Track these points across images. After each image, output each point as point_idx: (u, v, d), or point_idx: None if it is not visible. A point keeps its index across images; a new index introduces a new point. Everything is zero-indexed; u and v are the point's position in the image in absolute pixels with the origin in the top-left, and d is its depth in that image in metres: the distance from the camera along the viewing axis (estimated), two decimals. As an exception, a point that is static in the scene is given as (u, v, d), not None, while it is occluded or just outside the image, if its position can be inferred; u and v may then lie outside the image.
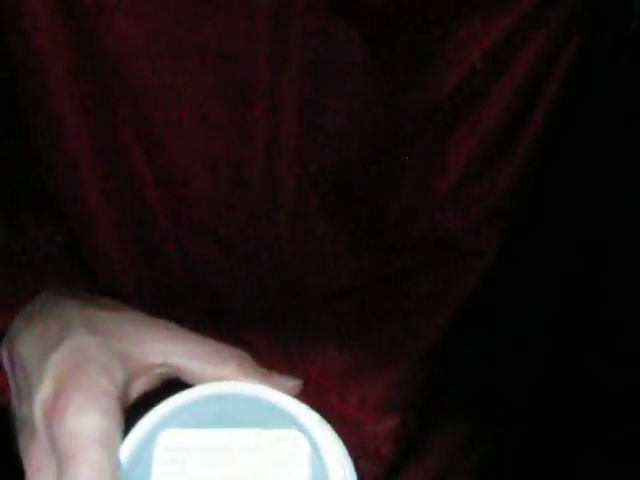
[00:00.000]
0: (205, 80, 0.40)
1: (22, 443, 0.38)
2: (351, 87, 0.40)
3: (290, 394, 0.37)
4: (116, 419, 0.34)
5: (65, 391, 0.35)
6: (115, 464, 0.33)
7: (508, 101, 0.42)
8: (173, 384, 0.39)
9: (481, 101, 0.42)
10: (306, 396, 0.38)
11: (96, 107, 0.42)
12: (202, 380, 0.37)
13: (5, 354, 0.42)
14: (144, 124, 0.42)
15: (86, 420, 0.34)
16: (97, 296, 0.43)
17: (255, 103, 0.40)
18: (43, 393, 0.36)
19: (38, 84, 0.42)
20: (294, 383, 0.38)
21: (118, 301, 0.42)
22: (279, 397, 0.35)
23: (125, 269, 0.47)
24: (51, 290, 0.43)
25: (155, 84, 0.40)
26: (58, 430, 0.34)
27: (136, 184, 0.44)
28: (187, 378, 0.38)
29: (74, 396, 0.34)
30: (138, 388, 0.37)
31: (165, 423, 0.34)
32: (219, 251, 0.46)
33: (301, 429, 0.34)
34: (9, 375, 0.42)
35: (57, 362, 0.37)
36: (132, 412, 0.37)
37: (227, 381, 0.36)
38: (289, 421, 0.34)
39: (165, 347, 0.37)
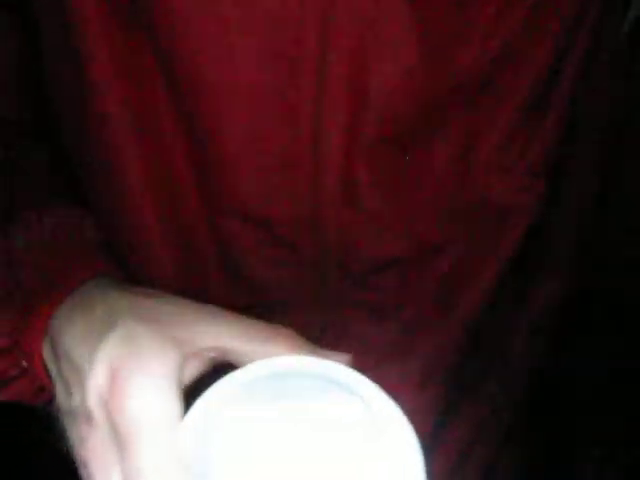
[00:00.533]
0: (253, 53, 0.40)
1: (75, 433, 0.38)
2: (400, 49, 0.40)
3: None
4: (175, 401, 0.35)
5: (121, 376, 0.35)
6: (177, 445, 0.33)
7: (541, 64, 0.43)
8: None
9: (519, 64, 0.43)
10: None
11: (139, 92, 0.42)
12: (253, 360, 0.37)
13: (48, 347, 0.42)
14: (191, 103, 0.42)
15: (146, 402, 0.34)
16: (139, 286, 0.43)
17: (302, 74, 0.41)
18: (97, 380, 0.36)
19: (80, 59, 0.42)
20: (343, 357, 0.38)
21: (158, 291, 0.42)
22: (334, 368, 0.35)
23: (163, 255, 0.47)
24: (92, 281, 0.43)
25: (210, 57, 0.40)
26: (117, 414, 0.34)
27: (175, 171, 0.45)
28: (237, 359, 0.37)
29: (131, 380, 0.34)
30: (190, 373, 0.37)
31: (222, 401, 0.35)
32: (258, 235, 0.46)
33: (360, 397, 0.34)
34: (52, 369, 0.42)
35: (108, 349, 0.37)
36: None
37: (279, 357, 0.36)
38: (348, 391, 0.34)
39: (214, 330, 0.37)
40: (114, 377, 0.35)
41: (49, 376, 0.43)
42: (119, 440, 0.34)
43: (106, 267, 0.45)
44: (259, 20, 0.39)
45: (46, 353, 0.42)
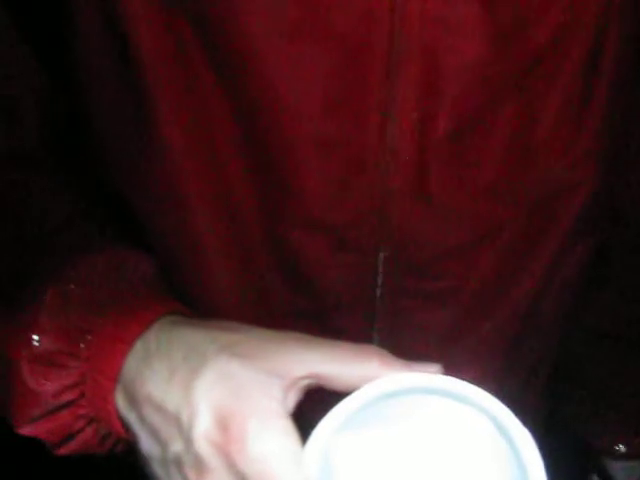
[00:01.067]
0: (326, 62, 0.40)
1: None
2: (469, 41, 0.41)
3: None
4: (294, 435, 0.34)
5: (235, 419, 0.34)
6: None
7: (584, 50, 0.44)
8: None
9: (568, 41, 0.44)
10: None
11: (192, 102, 0.42)
12: (348, 381, 0.37)
13: (122, 395, 0.41)
14: (260, 118, 0.42)
15: (271, 443, 0.34)
16: (211, 320, 0.42)
17: (371, 77, 0.41)
18: (204, 426, 0.35)
19: (136, 73, 0.41)
20: (435, 368, 0.38)
21: (234, 322, 0.41)
22: (447, 381, 0.35)
23: (221, 270, 0.47)
24: (159, 321, 0.42)
25: (278, 69, 0.40)
26: (242, 459, 0.34)
27: (233, 187, 0.44)
28: (332, 383, 0.37)
29: (247, 422, 0.34)
30: (290, 404, 0.37)
31: (342, 426, 0.35)
32: (322, 241, 0.46)
33: (476, 406, 0.35)
34: (130, 417, 0.40)
35: (207, 391, 0.36)
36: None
37: (381, 378, 0.36)
38: (464, 402, 0.35)
39: (308, 357, 0.37)
40: (227, 422, 0.35)
41: (124, 425, 0.42)
42: None
43: (170, 304, 0.44)
44: (326, 26, 0.39)
45: (120, 401, 0.41)
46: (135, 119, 0.43)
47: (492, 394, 0.35)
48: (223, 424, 0.35)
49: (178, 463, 0.37)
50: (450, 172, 0.44)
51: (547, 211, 0.48)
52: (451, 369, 0.50)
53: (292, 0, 0.39)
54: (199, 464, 0.35)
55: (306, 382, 0.37)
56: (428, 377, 0.35)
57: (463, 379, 0.36)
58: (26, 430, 0.43)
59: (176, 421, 0.37)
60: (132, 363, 0.40)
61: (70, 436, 0.44)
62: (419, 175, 0.44)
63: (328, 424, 0.35)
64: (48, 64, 0.46)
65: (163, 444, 0.38)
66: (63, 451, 0.45)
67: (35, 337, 0.41)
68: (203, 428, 0.35)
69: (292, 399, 0.37)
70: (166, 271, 0.47)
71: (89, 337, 0.42)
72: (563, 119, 0.45)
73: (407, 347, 0.48)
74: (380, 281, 0.47)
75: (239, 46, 0.40)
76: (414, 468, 0.34)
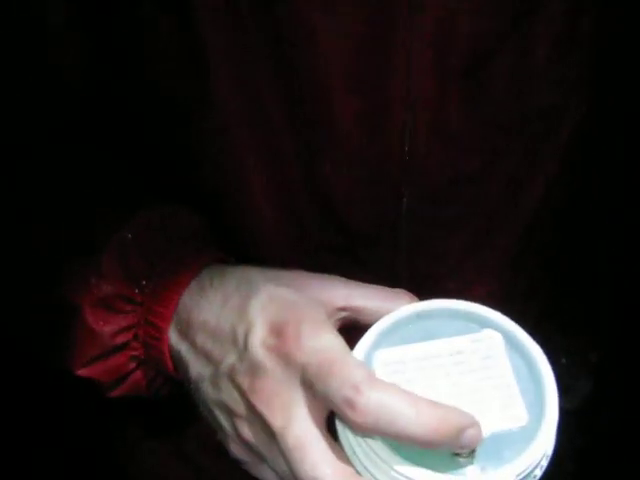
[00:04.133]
0: (356, 7, 0.43)
1: (232, 393, 0.41)
2: None
3: None
4: (343, 340, 0.39)
5: (289, 324, 0.39)
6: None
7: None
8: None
9: None
10: (422, 289, 0.43)
11: (236, 51, 0.44)
12: (380, 317, 0.42)
13: (175, 332, 0.45)
14: (296, 54, 0.44)
15: (326, 338, 0.38)
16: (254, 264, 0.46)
17: (396, 22, 0.44)
18: (259, 335, 0.40)
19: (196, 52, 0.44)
20: None
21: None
22: (468, 305, 0.41)
23: (267, 207, 0.50)
24: (210, 268, 0.46)
25: (314, 13, 0.43)
26: (300, 352, 0.38)
27: (273, 124, 0.47)
28: (365, 318, 0.42)
29: (301, 324, 0.39)
30: None
31: (378, 344, 0.40)
32: (353, 176, 0.49)
33: (496, 328, 0.40)
34: (180, 349, 0.45)
35: (261, 307, 0.41)
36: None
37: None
38: (483, 323, 0.40)
39: (347, 291, 0.42)
40: (282, 328, 0.39)
41: (174, 363, 0.46)
42: (312, 374, 0.37)
43: (218, 254, 0.48)
44: None
45: (173, 337, 0.45)
46: (184, 69, 0.46)
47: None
48: (278, 331, 0.39)
49: (231, 373, 0.41)
50: (465, 105, 0.48)
51: (544, 136, 0.52)
52: (464, 288, 0.55)
53: None
54: (254, 368, 0.39)
55: (344, 314, 0.42)
56: (454, 302, 0.41)
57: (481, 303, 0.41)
58: (83, 372, 0.47)
59: (231, 336, 0.41)
60: (186, 299, 0.45)
61: (122, 378, 0.48)
62: (440, 109, 0.47)
63: (368, 340, 0.39)
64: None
65: (216, 362, 0.42)
66: (115, 393, 0.49)
67: (97, 282, 0.46)
68: (259, 336, 0.40)
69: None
70: (212, 217, 0.51)
71: (144, 282, 0.46)
72: (554, 54, 0.49)
73: (425, 272, 0.53)
74: (404, 212, 0.51)
75: None
76: (444, 380, 0.38)
